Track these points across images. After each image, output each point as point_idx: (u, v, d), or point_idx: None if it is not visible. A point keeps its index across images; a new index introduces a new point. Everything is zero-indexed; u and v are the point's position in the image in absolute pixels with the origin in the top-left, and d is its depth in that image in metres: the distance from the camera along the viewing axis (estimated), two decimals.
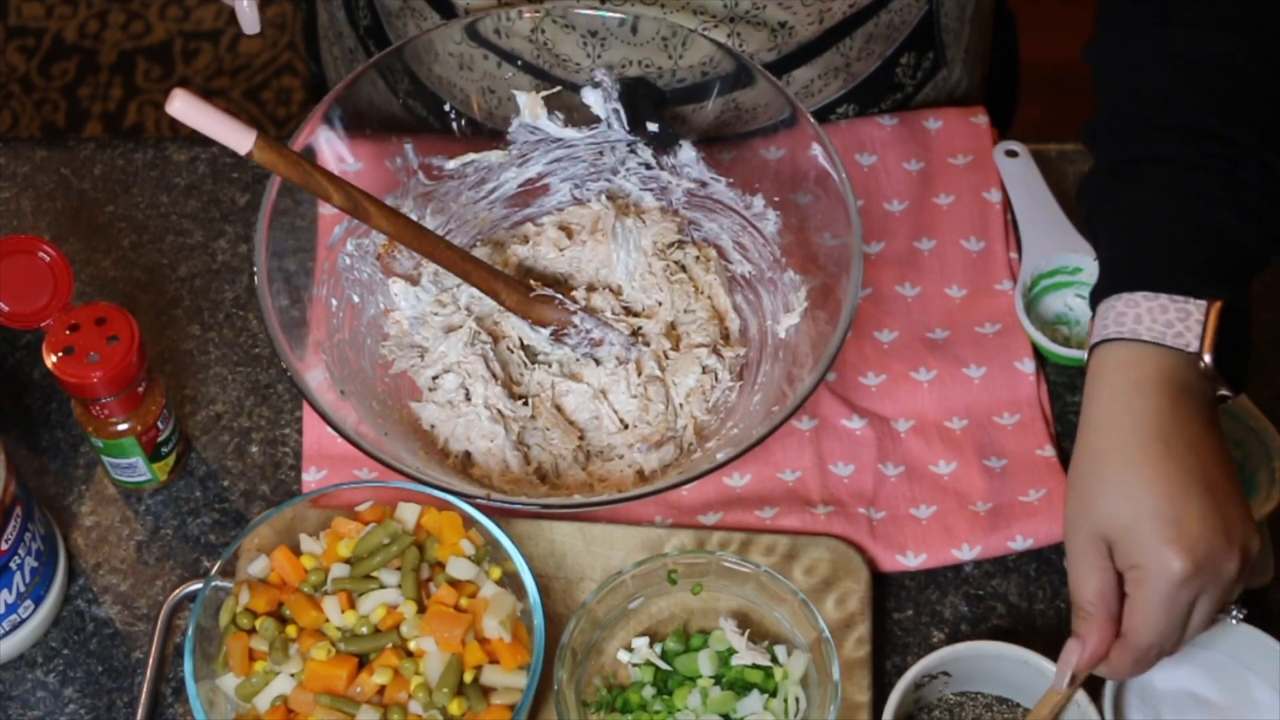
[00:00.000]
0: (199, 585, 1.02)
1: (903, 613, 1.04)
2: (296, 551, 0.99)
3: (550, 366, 1.08)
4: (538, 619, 0.95)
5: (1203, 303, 0.90)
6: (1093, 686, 0.95)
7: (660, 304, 1.10)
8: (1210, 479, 0.89)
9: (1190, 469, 0.88)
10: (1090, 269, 1.15)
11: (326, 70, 1.36)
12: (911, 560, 1.05)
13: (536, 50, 1.10)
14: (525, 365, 1.08)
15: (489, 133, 1.13)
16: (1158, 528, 0.87)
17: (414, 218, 1.07)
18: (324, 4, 1.31)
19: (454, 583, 0.97)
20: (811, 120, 1.04)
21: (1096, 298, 0.94)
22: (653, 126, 1.11)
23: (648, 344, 1.09)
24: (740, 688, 0.97)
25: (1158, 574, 0.87)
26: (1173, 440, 0.89)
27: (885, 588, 1.05)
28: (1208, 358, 0.90)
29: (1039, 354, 1.13)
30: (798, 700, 0.96)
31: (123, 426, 1.02)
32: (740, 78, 1.08)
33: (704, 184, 1.12)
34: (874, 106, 1.23)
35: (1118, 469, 0.89)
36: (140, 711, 1.00)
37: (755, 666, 0.97)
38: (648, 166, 1.13)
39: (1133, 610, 0.89)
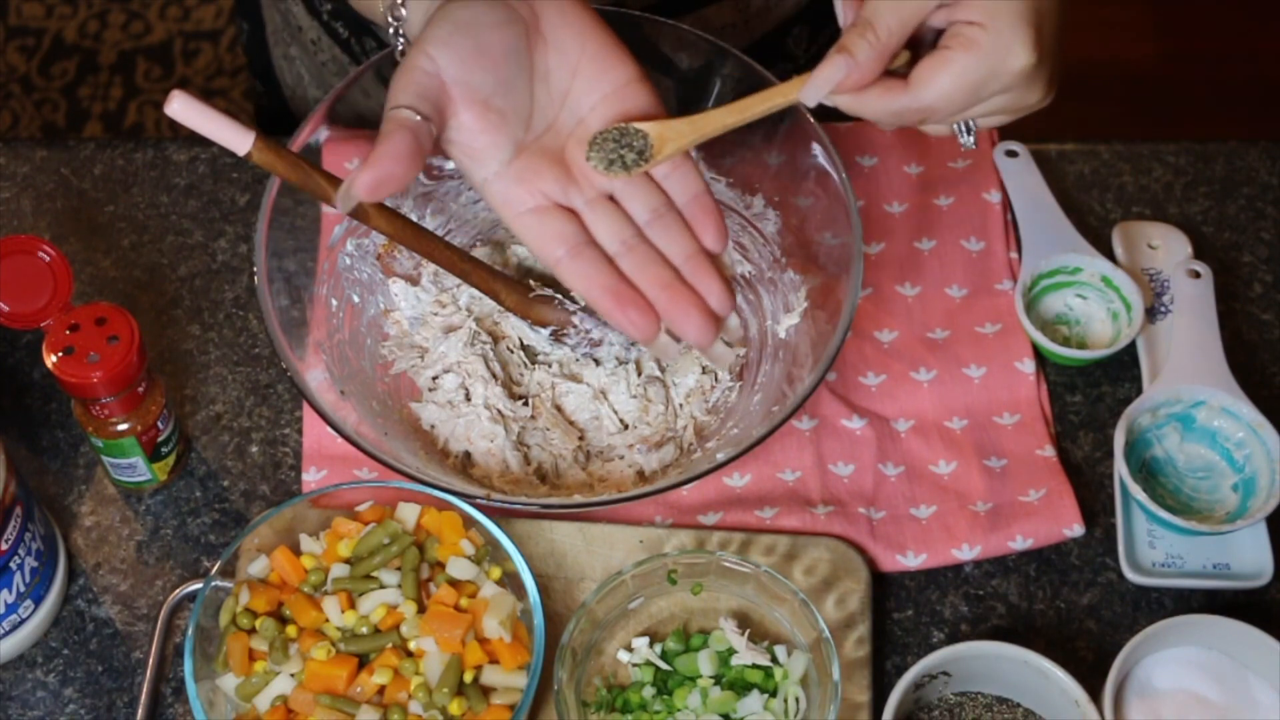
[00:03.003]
0: (199, 585, 1.02)
1: (903, 613, 1.04)
2: (296, 551, 0.99)
3: (550, 367, 1.08)
4: (538, 619, 0.95)
5: None
6: (1093, 686, 0.95)
7: None
8: (1068, 10, 0.85)
9: None
10: (1090, 269, 1.15)
11: (282, 75, 1.35)
12: (911, 560, 1.05)
13: None
14: (525, 365, 1.08)
15: None
16: (1027, 9, 0.82)
17: (414, 218, 1.07)
18: (274, 7, 1.30)
19: (454, 583, 0.97)
20: (811, 120, 1.04)
21: None
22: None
23: None
24: (740, 688, 0.97)
25: (996, 49, 0.82)
26: None
27: (885, 588, 1.05)
28: None
29: (1039, 354, 1.13)
30: (798, 700, 0.96)
31: (123, 426, 1.02)
32: (740, 75, 1.08)
33: None
34: (825, 29, 1.22)
35: None
36: (140, 711, 1.00)
37: (755, 666, 0.97)
38: None
39: (941, 67, 0.84)
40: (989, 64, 0.83)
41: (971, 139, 0.91)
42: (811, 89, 0.86)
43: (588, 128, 0.92)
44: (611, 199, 0.93)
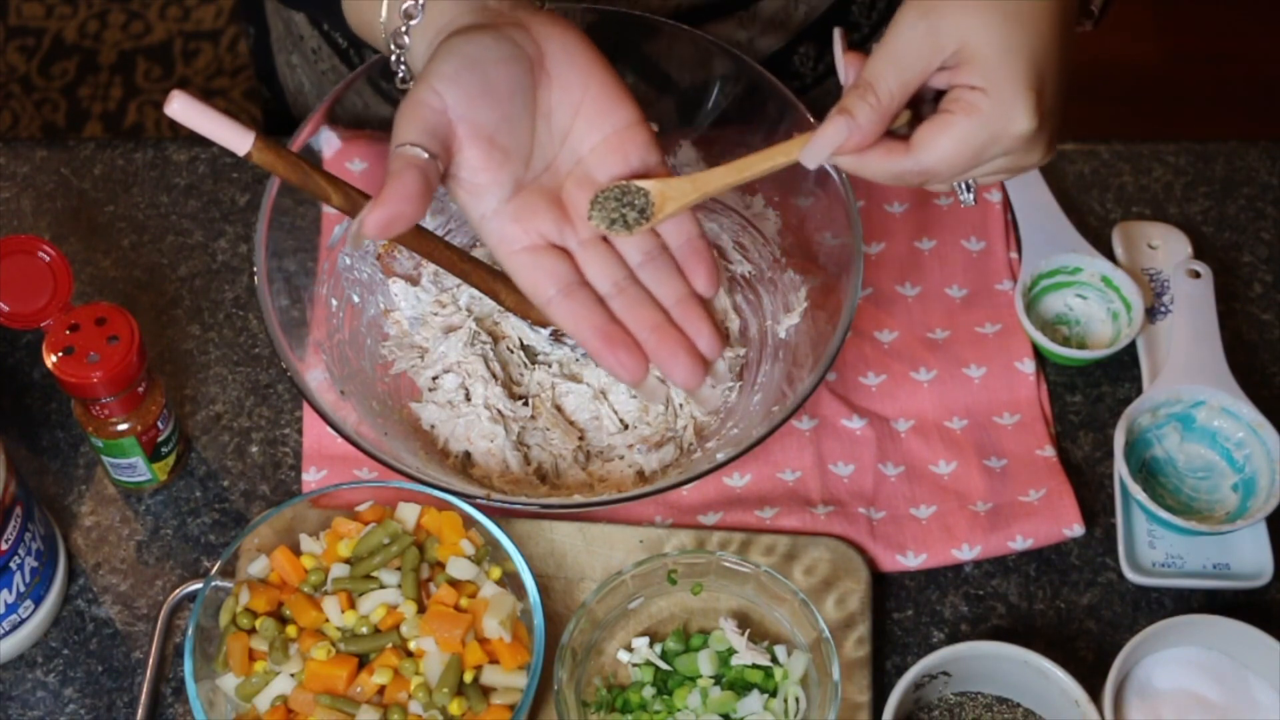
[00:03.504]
0: (199, 585, 1.02)
1: (903, 613, 1.04)
2: (296, 551, 0.99)
3: (550, 367, 1.08)
4: (538, 619, 0.95)
5: None
6: (1093, 686, 0.95)
7: None
8: (1071, 70, 0.85)
9: (1067, 47, 0.85)
10: (1090, 269, 1.15)
11: (285, 84, 1.35)
12: (911, 560, 1.05)
13: None
14: (525, 365, 1.08)
15: None
16: (1029, 74, 0.82)
17: None
18: (276, 14, 1.30)
19: (454, 583, 0.97)
20: (811, 120, 1.04)
21: None
22: (653, 126, 1.11)
23: None
24: (740, 688, 0.97)
25: (997, 114, 0.82)
26: (1069, 14, 0.85)
27: (885, 588, 1.05)
28: None
29: (1039, 354, 1.13)
30: (798, 700, 0.96)
31: (123, 426, 1.02)
32: (741, 76, 1.08)
33: None
34: (831, 48, 1.23)
35: None
36: (140, 711, 1.00)
37: (755, 666, 0.97)
38: None
39: (943, 129, 0.84)
40: (990, 129, 0.83)
41: (971, 196, 0.92)
42: (812, 150, 0.86)
43: (586, 168, 0.91)
44: (605, 240, 0.93)
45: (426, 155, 0.85)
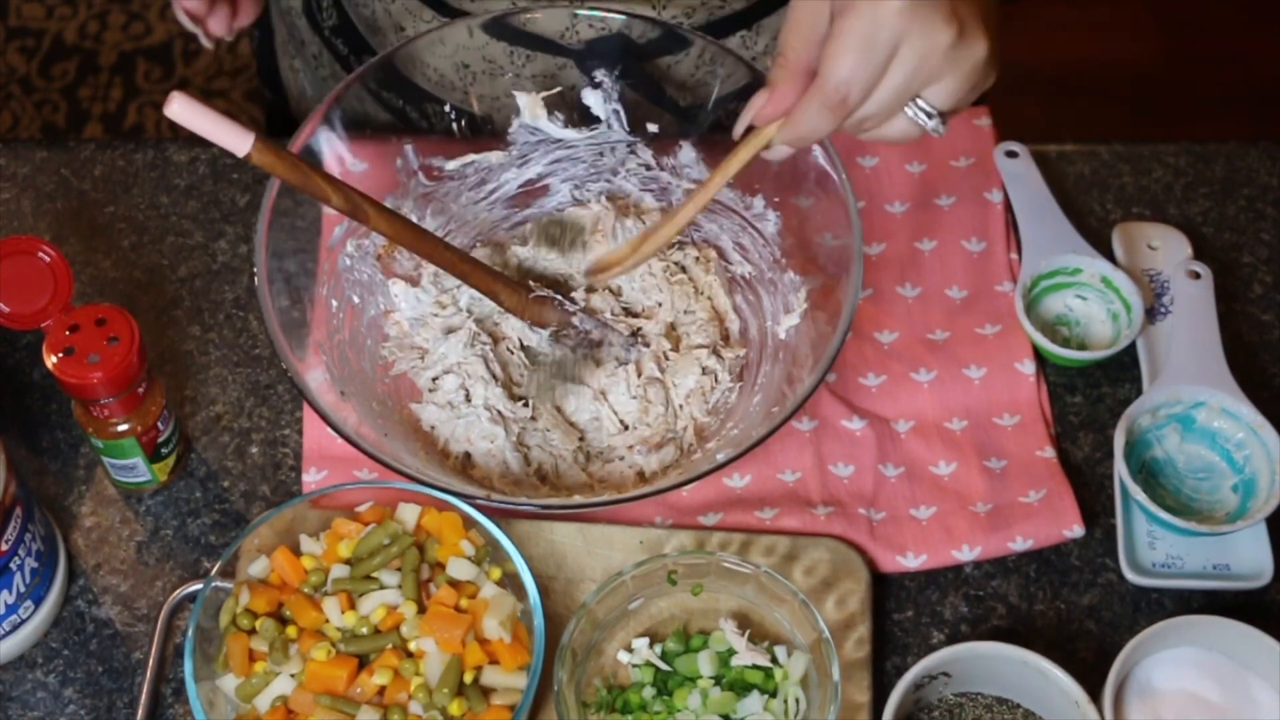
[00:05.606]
0: (199, 586, 1.02)
1: (903, 613, 1.04)
2: (296, 552, 0.99)
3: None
4: (538, 619, 0.95)
5: None
6: (1093, 686, 0.95)
7: (660, 305, 1.10)
8: None
9: None
10: (1090, 269, 1.15)
11: (288, 87, 1.35)
12: (911, 561, 1.05)
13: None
14: (525, 366, 1.08)
15: (489, 133, 1.13)
16: None
17: (414, 219, 1.07)
18: (281, 19, 1.30)
19: (454, 583, 0.97)
20: None
21: None
22: (653, 127, 1.11)
23: (647, 345, 1.09)
24: (740, 688, 0.97)
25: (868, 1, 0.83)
26: None
27: (885, 588, 1.05)
28: None
29: (1039, 355, 1.13)
30: (798, 701, 0.96)
31: (123, 427, 1.02)
32: (741, 78, 1.08)
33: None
34: None
35: None
36: (140, 712, 1.00)
37: (755, 667, 0.97)
38: (648, 167, 1.13)
39: (829, 40, 0.85)
40: (867, 14, 0.83)
41: (934, 123, 0.89)
42: (739, 125, 0.89)
43: None
44: None
45: None
